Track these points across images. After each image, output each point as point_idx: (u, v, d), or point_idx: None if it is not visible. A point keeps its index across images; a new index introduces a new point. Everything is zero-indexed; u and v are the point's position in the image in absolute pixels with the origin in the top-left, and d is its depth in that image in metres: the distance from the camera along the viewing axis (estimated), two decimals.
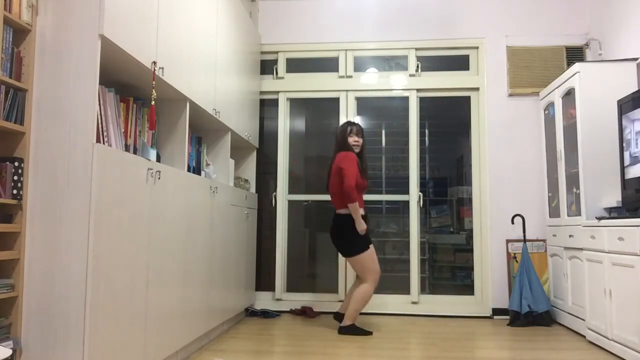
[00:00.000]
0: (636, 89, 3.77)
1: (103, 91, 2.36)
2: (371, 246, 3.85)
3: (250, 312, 4.57)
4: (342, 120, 4.96)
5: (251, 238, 4.57)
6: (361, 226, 3.77)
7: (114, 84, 2.70)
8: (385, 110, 5.04)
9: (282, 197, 4.95)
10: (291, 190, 5.01)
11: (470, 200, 4.85)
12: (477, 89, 4.87)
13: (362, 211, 3.84)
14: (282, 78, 5.05)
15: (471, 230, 4.80)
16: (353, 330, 3.79)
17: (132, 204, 2.38)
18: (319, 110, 5.17)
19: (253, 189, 4.80)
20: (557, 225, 4.30)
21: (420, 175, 4.89)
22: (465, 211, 4.91)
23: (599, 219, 3.41)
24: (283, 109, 5.04)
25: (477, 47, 4.88)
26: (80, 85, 2.15)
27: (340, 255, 4.61)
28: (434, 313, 4.66)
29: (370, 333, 3.79)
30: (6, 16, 2.06)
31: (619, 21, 4.16)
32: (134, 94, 2.83)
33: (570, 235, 3.99)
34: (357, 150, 3.95)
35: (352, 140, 3.93)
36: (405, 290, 4.73)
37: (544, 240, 4.56)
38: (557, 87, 4.28)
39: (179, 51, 2.94)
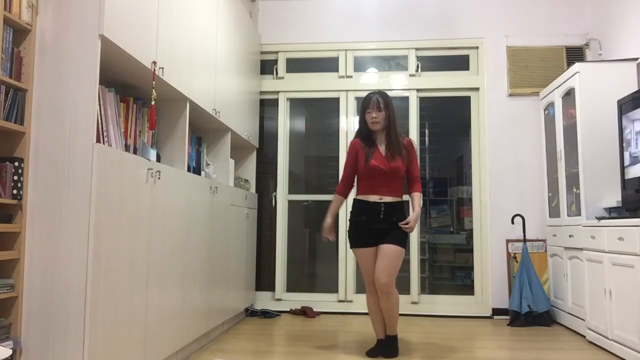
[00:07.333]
0: (636, 89, 3.77)
1: (103, 91, 2.36)
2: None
3: (250, 312, 4.56)
4: (342, 120, 4.96)
5: (251, 238, 4.57)
6: (325, 223, 3.31)
7: (114, 84, 2.70)
8: None
9: (282, 197, 4.95)
10: (291, 190, 5.01)
11: (470, 200, 4.85)
12: (477, 89, 4.86)
13: (374, 197, 3.17)
14: (282, 78, 5.05)
15: (471, 230, 4.80)
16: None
17: (132, 204, 2.38)
18: (319, 110, 5.17)
19: (253, 189, 4.79)
20: (557, 225, 4.30)
21: (420, 175, 4.89)
22: (465, 211, 4.91)
23: (599, 219, 3.41)
24: (283, 109, 5.04)
25: (477, 47, 4.88)
26: (80, 85, 2.15)
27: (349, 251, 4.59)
28: (434, 313, 4.66)
29: None
30: (6, 16, 2.06)
31: (619, 21, 4.16)
32: (134, 94, 2.83)
33: (570, 235, 3.99)
34: (376, 127, 3.18)
35: (370, 117, 3.17)
36: (405, 290, 4.72)
37: (544, 240, 4.56)
38: (557, 87, 4.27)
39: (179, 51, 2.94)
